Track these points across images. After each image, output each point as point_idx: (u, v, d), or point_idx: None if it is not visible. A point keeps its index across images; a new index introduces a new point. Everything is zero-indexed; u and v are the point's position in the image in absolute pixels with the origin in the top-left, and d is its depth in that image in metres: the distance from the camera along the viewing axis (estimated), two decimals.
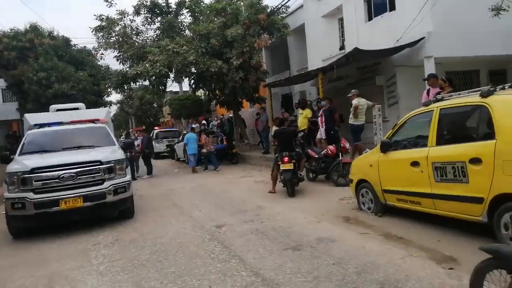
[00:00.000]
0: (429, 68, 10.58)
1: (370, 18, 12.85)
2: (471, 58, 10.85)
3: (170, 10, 17.47)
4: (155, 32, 17.34)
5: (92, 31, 16.23)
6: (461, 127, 4.73)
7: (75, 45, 24.65)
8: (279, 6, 15.24)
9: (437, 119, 4.87)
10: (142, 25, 17.31)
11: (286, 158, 8.15)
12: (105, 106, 27.68)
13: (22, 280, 4.57)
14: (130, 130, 29.98)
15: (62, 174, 6.50)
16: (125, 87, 17.38)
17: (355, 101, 9.88)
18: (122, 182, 7.03)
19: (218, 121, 21.84)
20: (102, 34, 16.10)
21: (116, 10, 16.46)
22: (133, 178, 13.77)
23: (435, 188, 4.82)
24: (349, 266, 4.06)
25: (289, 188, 8.13)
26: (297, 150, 8.98)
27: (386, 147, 5.65)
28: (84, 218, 6.86)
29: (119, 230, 6.58)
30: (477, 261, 3.68)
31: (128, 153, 13.64)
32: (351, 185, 6.72)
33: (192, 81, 17.76)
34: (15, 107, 25.22)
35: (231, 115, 19.92)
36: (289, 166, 8.05)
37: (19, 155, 7.48)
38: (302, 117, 12.11)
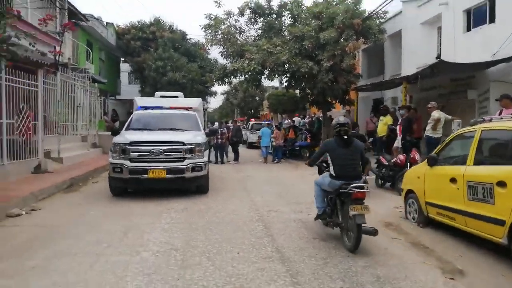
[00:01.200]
0: None
1: (468, 29, 12.31)
2: None
3: (272, 11, 18.52)
4: (257, 31, 18.59)
5: (201, 28, 18.10)
6: (497, 150, 4.81)
7: (190, 39, 27.36)
8: (376, 11, 15.26)
9: (477, 140, 5.01)
10: (246, 24, 18.67)
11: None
12: (210, 96, 30.34)
13: (109, 227, 5.93)
14: (235, 119, 32.10)
15: (152, 149, 7.95)
16: (226, 80, 18.97)
17: (435, 113, 9.78)
18: (199, 162, 8.27)
19: (309, 119, 22.51)
20: (210, 31, 17.82)
21: (224, 10, 17.87)
22: (222, 162, 15.40)
23: (467, 206, 4.98)
24: (360, 260, 4.57)
25: None
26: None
27: (432, 162, 5.87)
28: (166, 187, 8.27)
29: (192, 202, 7.81)
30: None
31: (220, 140, 15.27)
32: (401, 194, 6.98)
33: (286, 79, 18.73)
34: (137, 89, 29.03)
35: (321, 115, 20.39)
36: None
37: (125, 130, 9.21)
38: (382, 124, 12.21)
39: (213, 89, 29.20)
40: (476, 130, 5.13)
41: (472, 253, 4.91)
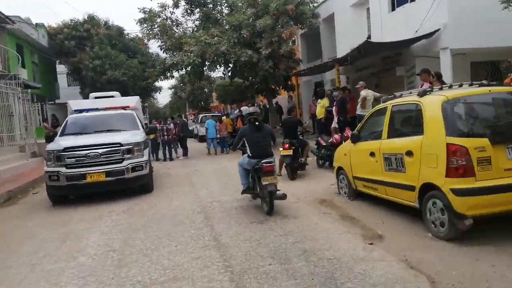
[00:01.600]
0: (445, 59, 10.75)
1: (393, 9, 12.98)
2: (489, 49, 10.77)
3: (208, 1, 18.45)
4: (194, 23, 18.49)
5: (136, 23, 17.72)
6: (404, 123, 5.26)
7: (128, 34, 26.63)
8: None
9: (388, 115, 5.44)
10: (182, 16, 18.51)
11: (286, 145, 8.92)
12: (155, 92, 29.82)
13: (46, 236, 5.84)
14: (179, 114, 31.76)
15: (88, 153, 7.83)
16: (168, 75, 18.75)
17: (363, 92, 10.32)
18: (140, 161, 8.24)
19: (257, 107, 22.85)
20: (145, 25, 17.49)
21: (158, 3, 17.57)
22: (170, 158, 15.34)
23: (385, 176, 5.43)
24: (291, 237, 4.86)
25: (289, 172, 8.93)
26: (301, 138, 9.73)
27: (354, 139, 6.27)
28: (106, 190, 8.18)
29: (134, 202, 7.81)
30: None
31: (166, 136, 15.18)
32: (334, 172, 7.39)
33: (228, 69, 18.85)
34: (78, 91, 27.92)
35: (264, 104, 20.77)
36: (288, 152, 8.82)
37: (59, 136, 8.97)
38: (320, 106, 12.70)
39: (158, 84, 28.70)
40: (387, 106, 5.55)
41: (392, 218, 5.36)
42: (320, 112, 12.64)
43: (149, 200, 7.95)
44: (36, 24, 23.47)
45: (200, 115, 27.39)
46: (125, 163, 8.03)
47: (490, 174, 4.12)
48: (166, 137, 15.28)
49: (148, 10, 17.43)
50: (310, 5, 16.87)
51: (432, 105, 4.56)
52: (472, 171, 4.10)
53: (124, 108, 10.25)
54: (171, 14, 18.01)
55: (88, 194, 8.23)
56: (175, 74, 19.22)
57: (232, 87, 28.36)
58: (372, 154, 5.69)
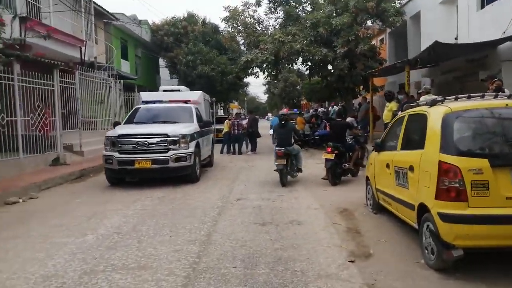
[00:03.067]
0: None
1: (482, 6, 11.55)
2: None
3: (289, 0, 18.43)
4: (276, 21, 18.64)
5: (221, 21, 18.54)
6: (414, 134, 4.70)
7: (222, 31, 27.81)
8: None
9: (404, 125, 4.96)
10: (265, 14, 18.79)
11: (329, 148, 8.61)
12: (242, 87, 30.80)
13: (80, 212, 6.55)
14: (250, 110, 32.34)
15: (138, 141, 8.55)
16: (249, 72, 19.29)
17: (422, 98, 9.40)
18: (184, 153, 8.74)
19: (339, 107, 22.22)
20: (229, 23, 18.19)
21: (241, 1, 18.08)
22: (239, 152, 15.87)
23: (396, 191, 4.97)
24: (278, 243, 4.75)
25: (330, 177, 8.62)
26: (350, 142, 9.29)
27: (377, 148, 5.84)
28: (152, 177, 8.87)
29: (174, 190, 8.32)
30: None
31: (236, 131, 15.74)
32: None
33: (306, 67, 18.67)
34: (176, 83, 30.27)
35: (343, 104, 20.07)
36: (329, 156, 8.50)
37: (124, 123, 9.94)
38: (387, 110, 11.88)
39: (247, 80, 29.62)
40: (405, 115, 5.06)
41: (399, 238, 4.89)
42: (387, 116, 11.82)
43: (187, 190, 8.38)
44: (140, 21, 25.96)
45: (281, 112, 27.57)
46: (170, 153, 8.59)
47: (487, 201, 3.54)
48: (237, 131, 15.82)
49: (232, 8, 18.10)
50: (395, 2, 15.80)
51: (434, 116, 4.05)
52: (464, 196, 3.56)
53: (185, 101, 10.88)
54: (254, 12, 18.44)
55: (144, 179, 9.04)
56: (258, 71, 19.71)
57: (318, 85, 28.10)
58: (387, 165, 5.26)
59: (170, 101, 10.88)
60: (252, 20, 18.32)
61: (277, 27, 18.24)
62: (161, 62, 30.98)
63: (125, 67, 23.56)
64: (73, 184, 9.56)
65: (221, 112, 38.65)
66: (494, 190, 3.52)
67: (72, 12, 15.79)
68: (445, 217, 3.61)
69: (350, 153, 9.22)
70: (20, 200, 7.57)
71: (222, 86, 25.05)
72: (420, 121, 4.41)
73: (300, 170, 9.26)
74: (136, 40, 25.65)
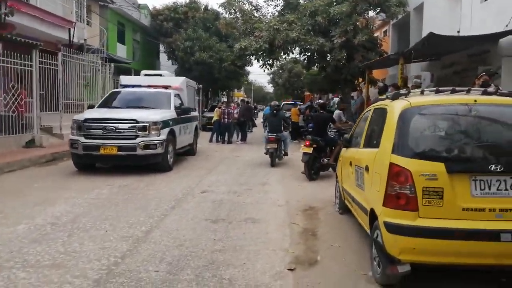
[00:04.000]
0: None
1: None
2: None
3: None
4: (274, 8, 17.98)
5: (219, 7, 17.94)
6: (375, 131, 4.16)
7: (224, 18, 27.12)
8: None
9: (369, 119, 4.42)
10: (264, 1, 18.14)
11: (308, 142, 8.11)
12: (243, 75, 30.18)
13: (30, 198, 6.15)
14: (243, 99, 31.79)
15: (105, 126, 8.09)
16: (245, 59, 18.69)
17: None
18: (153, 140, 8.26)
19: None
20: (226, 9, 17.56)
21: None
22: (229, 141, 15.39)
23: (355, 192, 4.47)
24: (220, 244, 4.28)
25: (307, 171, 8.12)
26: (331, 136, 8.77)
27: (345, 143, 5.31)
28: (118, 164, 8.45)
29: (139, 179, 7.85)
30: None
31: (226, 119, 15.24)
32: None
33: (304, 57, 18.04)
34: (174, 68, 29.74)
35: (353, 94, 19.41)
36: (307, 150, 8.00)
37: (97, 107, 9.49)
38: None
39: (253, 69, 28.99)
40: (371, 109, 4.52)
41: (354, 244, 4.39)
42: None
43: (155, 179, 7.92)
44: (139, 5, 25.39)
45: (281, 103, 26.98)
46: (138, 140, 8.12)
47: (441, 211, 3.01)
48: (226, 120, 15.32)
49: None
50: None
51: (392, 112, 3.50)
52: (414, 204, 3.04)
53: (165, 87, 10.38)
54: None
55: (117, 166, 8.62)
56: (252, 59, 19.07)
57: (319, 76, 27.41)
58: (350, 163, 4.74)
59: (149, 86, 10.39)
60: (250, 7, 17.69)
61: (275, 14, 17.59)
62: (161, 47, 30.46)
63: (122, 51, 23.09)
64: (42, 167, 9.16)
65: (224, 100, 38.18)
66: (449, 199, 2.99)
67: None
68: (391, 227, 3.10)
69: (333, 147, 8.70)
70: None
71: (221, 73, 24.45)
72: (381, 116, 3.86)
73: (286, 154, 10.51)
74: (134, 24, 25.12)
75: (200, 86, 15.59)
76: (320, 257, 3.99)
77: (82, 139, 8.11)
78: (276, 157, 9.97)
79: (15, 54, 10.31)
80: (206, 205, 5.96)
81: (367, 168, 3.84)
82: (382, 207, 3.21)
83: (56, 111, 12.73)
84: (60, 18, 14.39)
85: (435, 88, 3.82)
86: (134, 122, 8.16)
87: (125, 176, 8.03)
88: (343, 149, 5.57)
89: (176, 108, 9.65)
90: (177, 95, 10.38)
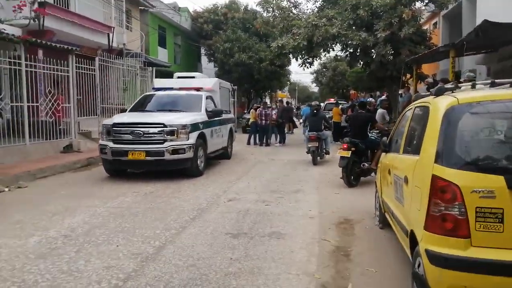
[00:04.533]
0: None
1: None
2: None
3: None
4: (314, 4, 17.25)
5: (256, 5, 17.50)
6: (417, 133, 3.44)
7: (261, 16, 26.64)
8: None
9: (410, 120, 3.72)
10: None
11: (345, 145, 7.42)
12: (285, 75, 29.56)
13: (51, 207, 6.00)
14: (281, 99, 31.03)
15: (133, 131, 7.86)
16: (282, 58, 18.13)
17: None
18: (182, 144, 7.93)
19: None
20: (263, 8, 17.09)
21: None
22: (267, 144, 14.90)
23: (394, 206, 3.79)
24: (236, 265, 3.78)
25: (345, 177, 7.42)
26: (373, 138, 8.00)
27: (384, 147, 4.61)
28: (147, 169, 8.22)
29: (166, 185, 7.53)
30: None
31: (264, 121, 14.76)
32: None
33: (346, 54, 17.18)
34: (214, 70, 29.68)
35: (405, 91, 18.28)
36: (345, 154, 7.31)
37: (128, 111, 9.35)
38: None
39: (295, 69, 28.35)
40: (412, 108, 3.82)
41: (395, 269, 3.71)
42: None
43: (182, 185, 7.58)
44: (179, 8, 25.54)
45: (324, 103, 26.09)
46: (166, 144, 7.82)
47: (501, 239, 2.31)
48: (264, 122, 14.83)
49: None
50: None
51: (436, 111, 2.82)
52: (465, 229, 2.37)
53: (197, 89, 10.07)
54: None
55: (147, 171, 8.43)
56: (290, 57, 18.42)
57: (364, 73, 26.21)
58: (389, 171, 4.06)
59: (180, 89, 10.13)
60: (288, 4, 17.09)
61: (315, 10, 16.86)
62: (202, 50, 30.54)
63: (163, 54, 23.31)
64: (75, 173, 9.14)
65: (268, 101, 37.75)
66: (511, 223, 2.29)
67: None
68: (435, 258, 2.44)
69: (375, 150, 7.93)
70: (6, 190, 7.18)
71: (261, 74, 24.00)
72: (423, 116, 3.19)
73: (328, 153, 10.81)
74: (175, 28, 25.32)
75: (235, 87, 15.18)
76: (352, 286, 3.37)
77: (111, 144, 7.94)
78: (317, 155, 10.27)
79: (52, 60, 10.44)
80: (229, 216, 5.48)
81: (406, 180, 3.17)
82: (424, 231, 2.55)
83: (94, 115, 12.85)
84: (99, 23, 14.59)
85: (490, 81, 3.07)
86: (162, 126, 7.87)
87: (153, 182, 7.78)
88: (382, 154, 4.88)
89: (207, 110, 9.29)
90: (209, 97, 10.04)
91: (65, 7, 13.33)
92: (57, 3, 12.89)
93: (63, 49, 10.93)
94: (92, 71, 12.48)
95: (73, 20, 12.95)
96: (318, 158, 10.32)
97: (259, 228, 4.93)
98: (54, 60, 10.50)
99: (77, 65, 11.57)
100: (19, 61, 9.39)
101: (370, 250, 4.23)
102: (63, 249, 4.24)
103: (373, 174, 7.89)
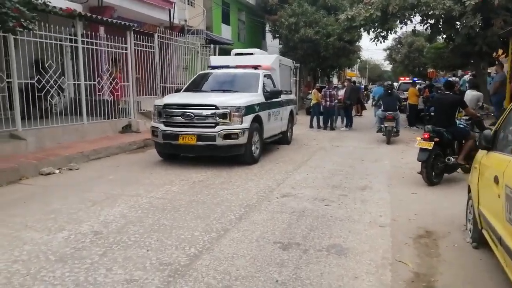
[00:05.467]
0: None
1: None
2: None
3: None
4: None
5: None
6: None
7: None
8: None
9: None
10: None
11: (427, 134, 6.17)
12: (355, 52, 27.60)
13: (96, 194, 5.63)
14: (348, 78, 28.79)
15: (184, 112, 7.27)
16: (352, 32, 16.58)
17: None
18: (235, 129, 7.20)
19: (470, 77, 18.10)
20: None
21: None
22: (331, 128, 13.80)
23: (505, 229, 2.70)
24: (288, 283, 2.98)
25: (425, 173, 6.20)
26: (462, 126, 6.63)
27: (485, 143, 3.45)
28: (199, 154, 7.65)
29: (218, 173, 6.90)
30: None
31: (328, 102, 13.62)
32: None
33: (426, 25, 15.21)
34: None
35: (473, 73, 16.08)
36: (426, 145, 6.08)
37: (183, 91, 8.81)
38: None
39: (361, 44, 26.37)
40: None
41: None
42: None
43: (234, 174, 6.91)
44: None
45: (399, 81, 23.99)
46: (217, 128, 7.14)
47: None
48: (328, 103, 13.66)
49: None
50: None
51: None
52: None
53: (255, 67, 9.23)
54: None
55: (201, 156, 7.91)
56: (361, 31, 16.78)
57: (446, 49, 23.51)
58: (496, 179, 2.95)
59: (237, 67, 9.36)
60: None
61: None
62: (268, 26, 29.44)
63: (226, 31, 22.67)
64: (130, 154, 8.87)
65: (335, 81, 35.92)
66: None
67: None
68: None
69: (463, 142, 6.60)
70: (57, 171, 7.00)
71: (327, 51, 22.45)
72: None
73: (398, 133, 11.19)
74: (239, 3, 24.48)
75: (298, 65, 14.07)
76: None
77: (162, 126, 7.43)
78: (392, 134, 10.74)
79: (110, 37, 10.20)
80: (281, 217, 4.66)
81: None
82: None
83: (154, 95, 12.60)
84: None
85: None
86: (214, 108, 7.18)
87: (206, 168, 7.21)
88: (482, 152, 3.71)
89: (265, 91, 8.44)
90: (268, 76, 9.17)
91: None
92: None
93: (121, 26, 10.62)
94: (151, 49, 12.15)
95: None
96: (392, 136, 10.82)
97: (315, 237, 4.05)
98: (112, 37, 10.25)
99: (136, 42, 11.27)
100: (75, 38, 9.19)
101: (462, 281, 3.18)
102: (89, 250, 3.71)
103: (459, 170, 6.64)
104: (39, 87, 8.23)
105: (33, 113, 8.41)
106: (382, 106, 11.38)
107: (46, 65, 8.39)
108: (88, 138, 9.38)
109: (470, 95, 9.29)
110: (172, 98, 7.87)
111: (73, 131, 9.14)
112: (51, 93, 8.59)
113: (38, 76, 8.28)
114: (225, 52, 18.05)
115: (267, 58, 10.16)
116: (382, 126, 10.90)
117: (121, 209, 4.93)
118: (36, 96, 8.19)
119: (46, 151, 7.84)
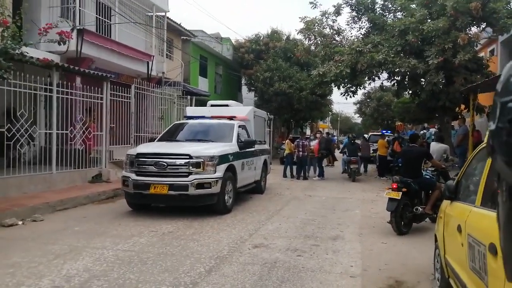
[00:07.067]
0: None
1: None
2: None
3: (377, 7, 16.06)
4: (359, 31, 16.41)
5: (297, 33, 16.96)
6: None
7: (302, 44, 26.09)
8: None
9: (489, 162, 2.71)
10: (347, 24, 16.70)
11: (395, 184, 6.34)
12: (326, 105, 28.63)
13: (59, 246, 5.39)
14: (320, 130, 30.01)
15: (156, 162, 7.23)
16: (323, 87, 17.30)
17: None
18: (208, 178, 7.18)
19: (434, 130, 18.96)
20: (305, 36, 16.52)
21: (320, 11, 16.27)
22: (304, 177, 13.93)
23: (468, 278, 2.74)
24: None
25: (394, 223, 6.29)
26: (428, 176, 6.86)
27: (448, 193, 3.57)
28: (170, 204, 7.51)
29: (189, 224, 6.76)
30: None
31: (301, 152, 13.85)
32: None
33: (393, 82, 16.07)
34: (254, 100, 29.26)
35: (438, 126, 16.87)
36: (395, 195, 6.22)
37: (157, 140, 8.82)
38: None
39: (332, 97, 27.42)
40: None
41: None
42: None
43: (205, 224, 6.77)
44: (222, 38, 25.62)
45: (369, 134, 24.79)
46: (190, 177, 7.11)
47: None
48: (301, 153, 13.89)
49: (308, 19, 16.37)
50: (508, 2, 12.58)
51: None
52: None
53: (230, 118, 9.41)
54: (333, 22, 16.44)
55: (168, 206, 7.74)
56: (332, 86, 17.56)
57: (412, 104, 24.69)
58: (459, 228, 3.03)
59: (212, 117, 9.53)
60: (331, 31, 16.39)
61: (359, 37, 16.03)
62: (243, 80, 30.36)
63: (203, 84, 23.21)
64: (98, 205, 8.60)
65: (308, 132, 36.69)
66: None
67: (146, 29, 15.63)
68: None
69: (430, 192, 6.79)
70: (20, 223, 6.67)
71: (301, 104, 23.19)
72: None
73: (360, 173, 14.63)
74: (217, 58, 25.33)
75: (271, 116, 14.44)
76: None
77: (133, 176, 7.34)
78: (356, 174, 13.69)
79: (86, 87, 10.26)
80: (253, 269, 4.56)
81: (493, 249, 2.16)
82: None
83: (128, 144, 12.51)
84: (139, 51, 14.56)
85: None
86: (188, 157, 7.19)
87: (176, 219, 7.05)
88: (446, 202, 3.82)
89: (239, 141, 8.56)
90: (243, 126, 9.35)
91: (106, 35, 13.38)
92: (98, 31, 12.94)
93: (97, 76, 10.74)
94: (128, 99, 12.25)
95: (112, 47, 12.92)
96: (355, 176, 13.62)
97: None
98: (88, 87, 10.31)
99: (113, 92, 11.35)
100: (50, 87, 9.20)
101: None
102: None
103: (427, 219, 6.77)
104: (9, 135, 8.07)
105: (0, 162, 8.18)
106: (347, 153, 14.17)
107: (18, 114, 8.30)
108: (55, 188, 9.11)
109: (437, 147, 9.69)
110: (146, 148, 7.87)
111: (40, 180, 8.88)
112: (20, 142, 8.41)
113: (9, 124, 8.15)
114: (202, 103, 18.37)
115: (242, 110, 10.42)
116: (347, 168, 13.95)
117: (85, 262, 4.72)
118: (5, 145, 8.01)
119: (10, 201, 7.53)
